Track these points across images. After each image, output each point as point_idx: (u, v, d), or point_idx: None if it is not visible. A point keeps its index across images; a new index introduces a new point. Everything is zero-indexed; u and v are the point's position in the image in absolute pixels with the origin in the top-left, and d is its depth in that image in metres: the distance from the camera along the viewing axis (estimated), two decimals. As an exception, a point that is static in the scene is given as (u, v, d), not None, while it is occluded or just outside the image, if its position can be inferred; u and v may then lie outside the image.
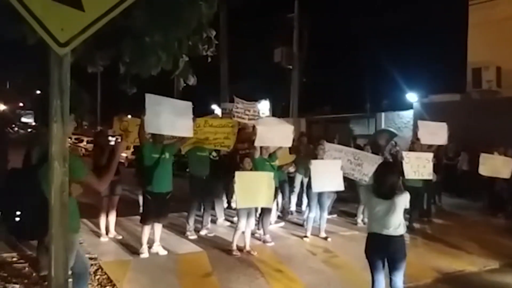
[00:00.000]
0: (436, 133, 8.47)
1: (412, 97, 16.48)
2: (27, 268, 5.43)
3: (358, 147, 9.69)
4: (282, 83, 21.42)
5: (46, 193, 3.02)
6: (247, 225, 6.66)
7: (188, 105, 6.23)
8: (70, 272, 3.63)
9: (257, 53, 21.73)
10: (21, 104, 55.32)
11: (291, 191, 9.25)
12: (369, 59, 20.98)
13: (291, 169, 8.63)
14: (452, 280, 5.81)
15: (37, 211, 3.04)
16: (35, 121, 48.89)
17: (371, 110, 20.44)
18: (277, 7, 20.86)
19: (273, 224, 8.13)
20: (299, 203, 9.53)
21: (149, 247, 6.35)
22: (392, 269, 4.22)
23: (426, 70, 18.40)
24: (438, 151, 8.97)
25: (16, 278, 5.07)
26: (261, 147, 7.10)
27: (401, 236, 4.21)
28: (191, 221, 7.48)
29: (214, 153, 7.87)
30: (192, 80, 6.68)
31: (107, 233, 7.07)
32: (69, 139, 2.50)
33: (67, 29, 2.19)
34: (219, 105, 17.03)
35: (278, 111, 20.85)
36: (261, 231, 7.35)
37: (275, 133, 7.14)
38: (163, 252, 6.37)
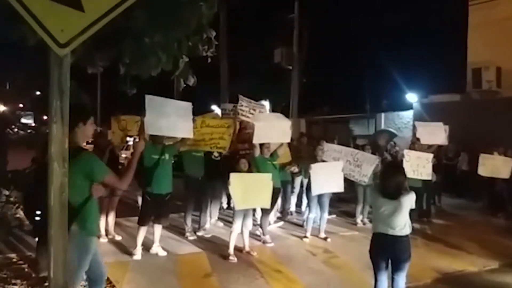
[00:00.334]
0: (434, 133, 8.48)
1: (412, 97, 16.48)
2: (26, 269, 5.42)
3: (357, 147, 9.68)
4: (282, 84, 21.41)
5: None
6: (244, 226, 6.61)
7: (188, 106, 6.17)
8: (85, 277, 3.61)
9: (257, 54, 21.70)
10: (21, 105, 55.26)
11: (291, 191, 9.25)
12: (369, 60, 20.93)
13: (295, 169, 8.49)
14: (452, 280, 5.81)
15: None
16: (34, 122, 48.86)
17: (371, 111, 20.42)
18: (277, 8, 20.86)
19: (273, 224, 8.13)
20: (298, 204, 9.53)
21: (149, 248, 6.35)
22: (396, 269, 4.22)
23: (426, 70, 18.36)
24: (438, 152, 8.96)
25: (15, 279, 5.06)
26: (262, 146, 7.08)
27: (407, 236, 4.20)
28: (189, 222, 7.48)
29: (216, 153, 7.78)
30: (192, 81, 6.69)
31: (106, 234, 7.07)
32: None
33: (67, 30, 2.18)
34: (219, 106, 17.01)
35: (278, 112, 20.76)
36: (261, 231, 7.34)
37: (273, 130, 7.07)
38: (162, 253, 6.36)
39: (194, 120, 6.32)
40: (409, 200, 4.19)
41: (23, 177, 6.99)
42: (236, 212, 6.49)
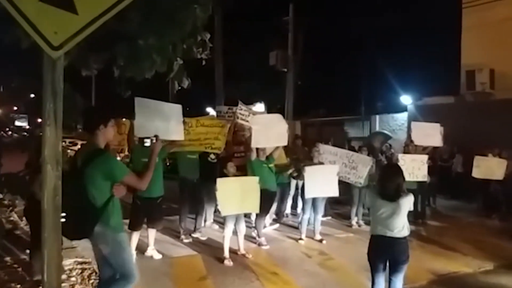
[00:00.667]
0: (429, 134, 8.51)
1: (406, 99, 16.57)
2: (21, 272, 5.39)
3: (352, 149, 9.68)
4: (277, 86, 21.39)
5: (90, 195, 3.16)
6: (238, 230, 6.56)
7: (178, 108, 6.09)
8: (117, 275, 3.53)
9: (252, 56, 21.74)
10: (15, 108, 55.14)
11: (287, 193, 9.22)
12: (363, 62, 21.09)
13: (295, 173, 8.40)
14: (447, 282, 5.83)
15: (80, 212, 3.14)
16: (29, 125, 48.69)
17: (366, 113, 20.51)
18: (272, 10, 20.89)
19: (268, 227, 8.12)
20: (294, 206, 9.52)
21: (143, 251, 6.32)
22: (394, 271, 4.22)
23: (420, 73, 18.50)
24: (433, 153, 8.99)
25: (10, 283, 5.03)
26: (258, 149, 7.06)
27: (405, 238, 4.20)
28: (184, 224, 7.44)
29: (212, 156, 7.74)
30: (186, 83, 6.67)
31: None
32: (63, 143, 2.48)
33: (60, 32, 2.18)
34: (214, 108, 17.01)
35: (273, 114, 20.78)
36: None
37: (270, 133, 7.03)
38: (157, 256, 6.32)
39: (184, 122, 6.27)
40: (407, 202, 4.19)
41: (17, 180, 6.95)
42: (227, 217, 6.41)
